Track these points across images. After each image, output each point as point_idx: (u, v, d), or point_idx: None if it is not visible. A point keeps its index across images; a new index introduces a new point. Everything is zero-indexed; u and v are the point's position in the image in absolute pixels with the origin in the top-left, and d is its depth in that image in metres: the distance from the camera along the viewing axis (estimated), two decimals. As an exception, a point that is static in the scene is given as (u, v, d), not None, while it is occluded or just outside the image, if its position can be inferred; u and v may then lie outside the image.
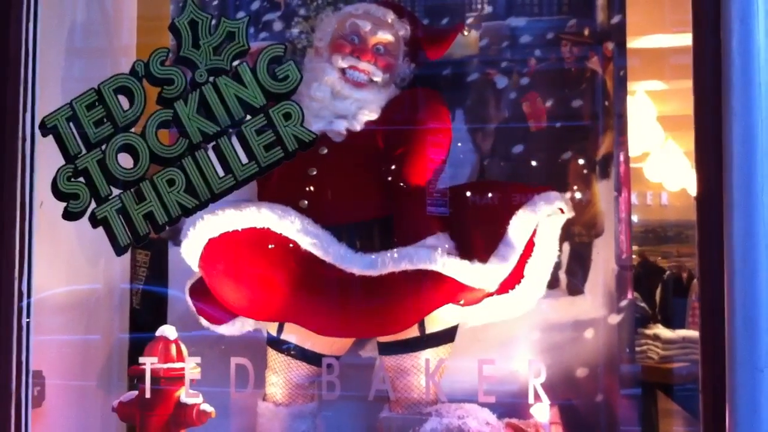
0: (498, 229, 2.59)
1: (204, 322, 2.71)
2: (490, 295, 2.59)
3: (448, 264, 2.49)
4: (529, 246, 2.60)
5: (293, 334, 2.66)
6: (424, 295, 2.53)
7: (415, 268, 2.48)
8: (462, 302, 2.59)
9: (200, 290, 2.68)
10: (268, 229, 2.51)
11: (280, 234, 2.51)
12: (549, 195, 2.63)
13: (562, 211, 2.64)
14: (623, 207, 2.96)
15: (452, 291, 2.53)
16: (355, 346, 2.74)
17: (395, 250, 2.50)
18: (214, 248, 2.54)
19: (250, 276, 2.56)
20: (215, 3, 3.22)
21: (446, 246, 2.61)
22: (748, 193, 1.95)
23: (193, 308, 2.72)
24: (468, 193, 2.76)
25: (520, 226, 2.58)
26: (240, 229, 2.52)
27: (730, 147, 1.98)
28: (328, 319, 2.55)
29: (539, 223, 2.61)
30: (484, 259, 2.53)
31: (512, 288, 2.58)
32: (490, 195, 2.79)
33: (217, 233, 2.53)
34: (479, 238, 2.62)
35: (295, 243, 2.50)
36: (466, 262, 2.50)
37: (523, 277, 2.59)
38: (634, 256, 3.10)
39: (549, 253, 2.63)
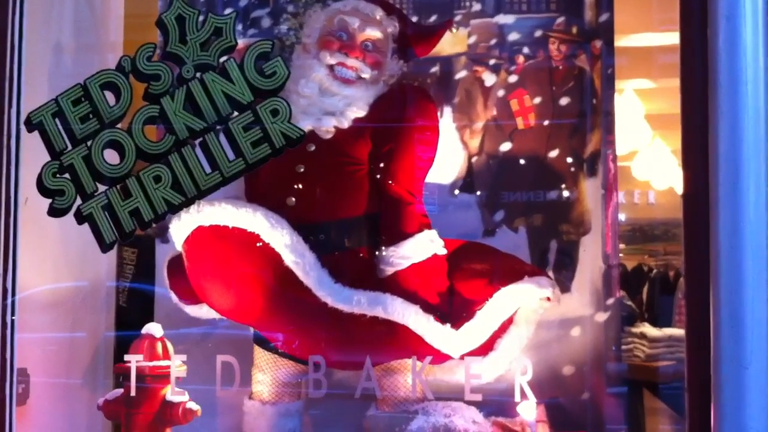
0: (480, 298, 2.57)
1: (173, 297, 2.70)
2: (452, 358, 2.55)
3: (420, 323, 2.48)
4: (507, 323, 2.58)
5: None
6: (388, 343, 2.53)
7: (387, 317, 2.47)
8: (424, 360, 2.53)
9: (177, 267, 2.66)
10: (258, 235, 2.50)
11: (268, 244, 2.50)
12: (540, 280, 2.60)
13: (548, 299, 2.60)
14: (610, 205, 2.97)
15: (416, 347, 2.50)
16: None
17: (374, 294, 2.49)
18: (202, 235, 2.52)
19: (227, 274, 2.54)
20: (203, -1, 3.21)
21: (435, 245, 2.61)
22: (735, 191, 1.95)
23: (167, 281, 2.71)
24: (461, 252, 2.71)
25: (502, 302, 2.56)
26: (231, 227, 2.51)
27: (717, 145, 1.98)
28: (290, 337, 2.55)
29: (522, 305, 2.59)
30: (457, 324, 2.52)
31: (479, 359, 2.54)
32: (482, 260, 2.71)
33: (208, 222, 2.51)
34: (459, 301, 2.59)
35: (278, 255, 2.49)
36: (437, 325, 2.49)
37: (492, 350, 2.56)
38: (621, 255, 3.11)
39: (523, 335, 2.60)
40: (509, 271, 2.61)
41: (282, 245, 2.49)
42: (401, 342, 2.51)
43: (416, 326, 2.48)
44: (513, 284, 2.57)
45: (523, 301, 2.58)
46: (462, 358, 2.51)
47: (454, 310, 2.56)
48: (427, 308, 2.51)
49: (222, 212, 2.49)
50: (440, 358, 2.54)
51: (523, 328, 2.60)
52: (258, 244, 2.50)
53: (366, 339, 2.52)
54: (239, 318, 2.64)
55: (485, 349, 2.55)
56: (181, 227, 2.53)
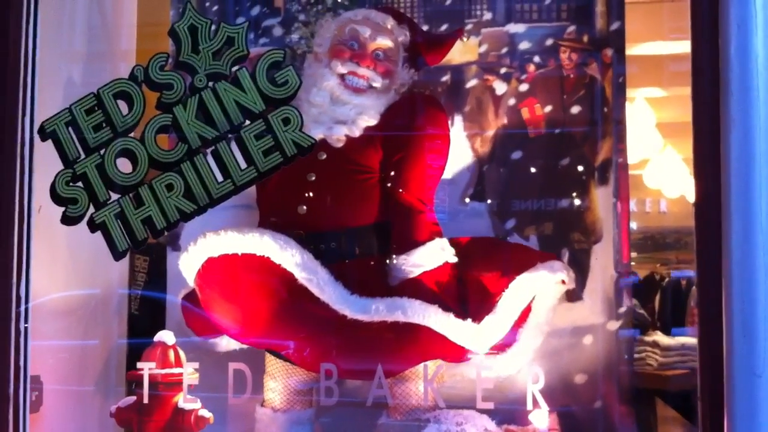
0: (496, 290, 2.57)
1: (192, 335, 2.71)
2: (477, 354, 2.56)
3: (440, 322, 2.47)
4: (526, 311, 2.59)
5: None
6: (412, 347, 2.51)
7: (408, 320, 2.46)
8: (449, 359, 2.57)
9: (192, 302, 2.67)
10: (268, 258, 2.50)
11: (279, 264, 2.50)
12: (552, 264, 2.60)
13: (564, 282, 2.61)
14: (622, 213, 2.96)
15: (441, 347, 2.50)
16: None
17: (391, 299, 2.48)
18: (212, 268, 2.53)
19: (243, 301, 2.55)
20: (215, 8, 3.22)
21: (446, 253, 2.61)
22: (746, 199, 1.95)
23: (184, 318, 2.72)
24: (471, 248, 2.72)
25: (518, 291, 2.56)
26: (240, 254, 2.51)
27: (728, 153, 1.98)
28: (312, 355, 2.54)
29: (539, 291, 2.60)
30: (478, 318, 2.52)
31: (503, 351, 2.56)
32: (493, 253, 2.75)
33: (216, 253, 2.52)
34: (476, 296, 2.60)
35: (291, 275, 2.49)
36: (459, 321, 2.49)
37: (515, 341, 2.57)
38: (633, 264, 3.10)
39: (543, 321, 2.61)
40: (521, 260, 2.62)
41: (293, 264, 2.49)
42: (424, 344, 2.49)
43: (438, 325, 2.47)
44: (527, 272, 2.57)
45: (539, 288, 2.59)
46: (488, 353, 2.52)
47: (471, 306, 2.56)
48: (446, 307, 2.51)
49: (229, 241, 2.50)
50: (460, 355, 2.54)
51: (542, 315, 2.61)
52: (268, 271, 2.50)
53: (387, 347, 2.51)
54: (261, 343, 2.63)
55: (507, 341, 2.56)
56: (190, 262, 2.55)
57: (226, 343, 2.74)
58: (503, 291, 2.56)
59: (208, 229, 2.52)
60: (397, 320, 2.46)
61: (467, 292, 2.62)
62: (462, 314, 2.51)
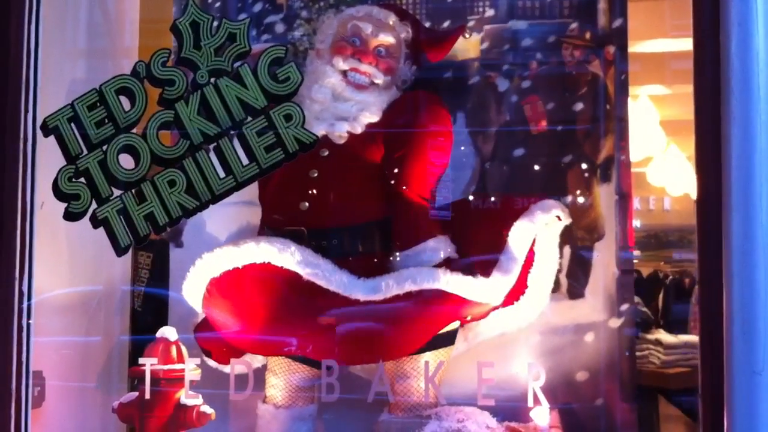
0: (497, 241, 2.60)
1: (212, 363, 2.70)
2: (496, 308, 2.60)
3: (451, 281, 2.49)
4: (530, 256, 2.61)
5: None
6: (431, 314, 2.53)
7: (419, 288, 2.47)
8: (469, 318, 2.60)
9: (205, 330, 2.69)
10: (269, 263, 2.51)
11: (281, 267, 2.50)
12: (546, 203, 2.65)
13: (559, 218, 2.64)
14: (625, 211, 2.96)
15: (458, 308, 2.54)
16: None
17: (398, 272, 2.50)
18: (218, 288, 2.55)
19: (255, 313, 2.56)
20: (217, 5, 3.22)
21: (448, 249, 2.62)
22: (747, 197, 1.95)
23: (203, 350, 2.72)
24: (465, 207, 2.76)
25: (519, 236, 2.59)
26: (240, 266, 2.52)
27: (730, 150, 1.98)
28: (335, 348, 2.54)
29: (538, 232, 2.61)
30: (486, 273, 2.54)
31: (517, 300, 2.60)
32: (486, 207, 2.79)
33: (218, 273, 2.53)
34: (480, 252, 2.63)
35: (296, 274, 2.50)
36: (469, 278, 2.51)
37: (527, 287, 2.60)
38: (636, 261, 3.10)
39: (550, 261, 2.64)
40: (513, 207, 2.66)
41: (295, 263, 2.50)
42: (441, 308, 2.52)
43: (449, 286, 2.49)
44: (522, 218, 2.60)
45: (537, 230, 2.61)
46: (502, 304, 2.58)
47: (477, 264, 2.58)
48: (454, 269, 2.52)
49: (227, 257, 2.52)
50: (479, 314, 2.59)
51: (547, 255, 2.63)
52: (272, 276, 2.52)
53: (409, 317, 2.52)
54: (285, 350, 2.62)
55: (520, 289, 2.60)
56: (193, 288, 2.57)
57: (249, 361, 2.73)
58: (504, 242, 2.58)
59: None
60: (410, 291, 2.47)
61: (470, 250, 2.64)
62: (470, 272, 2.53)
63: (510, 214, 2.63)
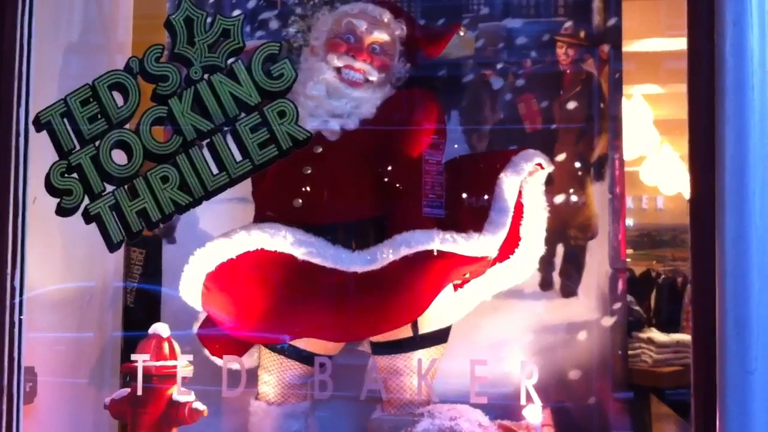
0: (485, 197, 2.62)
1: (219, 362, 2.67)
2: (493, 264, 2.61)
3: (445, 240, 2.50)
4: (519, 208, 2.64)
5: (287, 334, 2.66)
6: (430, 276, 2.53)
7: (414, 251, 2.48)
8: (467, 275, 2.61)
9: (208, 329, 2.69)
10: (262, 249, 2.50)
11: (275, 251, 2.50)
12: (527, 153, 2.67)
13: (541, 166, 2.67)
14: (618, 210, 2.96)
15: (455, 267, 2.55)
16: (350, 344, 2.74)
17: (391, 239, 2.50)
18: (215, 282, 2.54)
19: (257, 301, 2.56)
20: (211, 1, 3.21)
21: (441, 242, 2.62)
22: (740, 196, 1.95)
23: (208, 352, 2.72)
24: (449, 170, 2.75)
25: (505, 189, 2.61)
26: (235, 257, 2.51)
27: (723, 150, 1.98)
28: (340, 325, 2.55)
29: (523, 183, 2.64)
30: (478, 228, 2.55)
31: (512, 253, 2.62)
32: (471, 167, 2.80)
33: (213, 266, 2.52)
34: (469, 210, 2.65)
35: (291, 256, 2.50)
36: (462, 235, 2.52)
37: (520, 239, 2.63)
38: (629, 260, 3.10)
39: (539, 210, 2.68)
40: (495, 163, 2.67)
41: (288, 246, 2.49)
42: (440, 269, 2.53)
43: (445, 245, 2.50)
44: (505, 169, 2.63)
45: (521, 180, 2.64)
46: (497, 259, 2.60)
47: (467, 222, 2.59)
48: (446, 230, 2.54)
49: (220, 249, 2.51)
50: (476, 271, 2.62)
51: (535, 204, 2.67)
52: (267, 262, 2.51)
53: (410, 282, 2.52)
54: (292, 335, 2.64)
55: (513, 242, 2.62)
56: (191, 285, 2.56)
57: (255, 359, 2.77)
58: (492, 196, 2.61)
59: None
60: (406, 256, 2.47)
61: (459, 210, 2.66)
62: (463, 230, 2.54)
63: (494, 170, 2.65)
